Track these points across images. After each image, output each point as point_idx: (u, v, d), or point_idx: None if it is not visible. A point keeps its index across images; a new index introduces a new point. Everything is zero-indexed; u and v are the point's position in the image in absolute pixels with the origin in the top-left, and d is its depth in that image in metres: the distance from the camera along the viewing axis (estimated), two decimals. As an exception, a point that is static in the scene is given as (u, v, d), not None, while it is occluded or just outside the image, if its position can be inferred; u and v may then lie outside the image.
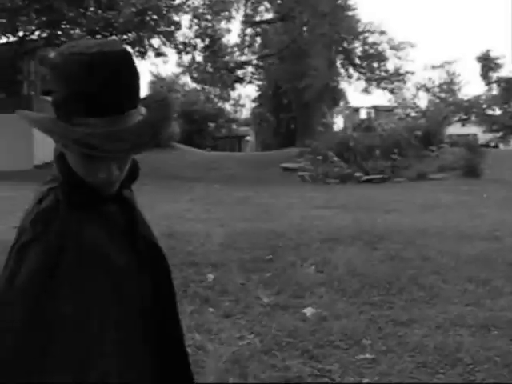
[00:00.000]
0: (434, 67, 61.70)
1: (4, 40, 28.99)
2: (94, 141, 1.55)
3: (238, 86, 42.30)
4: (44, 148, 32.99)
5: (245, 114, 73.13)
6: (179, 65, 35.86)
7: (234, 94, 53.63)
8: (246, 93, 65.97)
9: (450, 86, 61.45)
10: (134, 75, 1.66)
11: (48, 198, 1.74)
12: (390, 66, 38.24)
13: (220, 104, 56.85)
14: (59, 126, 1.62)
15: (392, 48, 37.14)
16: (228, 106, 66.92)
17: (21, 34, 28.37)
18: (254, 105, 65.93)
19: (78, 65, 1.56)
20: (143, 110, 1.73)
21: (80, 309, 1.64)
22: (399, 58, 37.30)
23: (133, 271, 1.84)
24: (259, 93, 59.05)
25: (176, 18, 28.52)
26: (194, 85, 46.20)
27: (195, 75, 36.07)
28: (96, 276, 1.71)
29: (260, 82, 46.76)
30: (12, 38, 28.87)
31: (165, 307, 2.07)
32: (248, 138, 68.76)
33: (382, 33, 37.20)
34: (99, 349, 1.67)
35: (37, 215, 1.71)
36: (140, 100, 1.72)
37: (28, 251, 1.65)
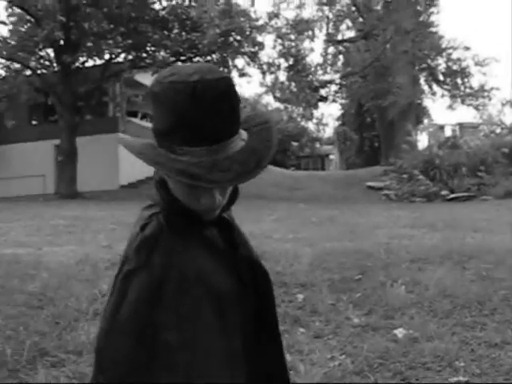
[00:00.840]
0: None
1: (91, 63, 29.72)
2: (199, 171, 1.55)
3: (320, 104, 42.22)
4: (129, 169, 33.60)
5: (328, 132, 72.96)
6: (262, 85, 36.04)
7: (317, 113, 53.49)
8: (329, 111, 65.77)
9: (537, 100, 59.98)
10: (236, 101, 1.65)
11: (151, 225, 1.76)
12: (475, 82, 37.63)
13: (303, 123, 56.83)
14: (162, 156, 1.62)
15: (476, 64, 36.50)
16: (311, 125, 66.88)
17: (107, 56, 29.03)
18: (337, 123, 65.75)
19: (180, 94, 1.56)
20: (244, 134, 1.72)
21: (185, 337, 1.66)
22: (484, 73, 36.62)
23: (236, 295, 1.84)
24: (342, 111, 58.89)
25: (259, 39, 28.69)
26: (276, 104, 46.37)
27: (278, 95, 36.15)
28: (200, 303, 1.71)
29: (343, 101, 46.52)
30: (98, 61, 29.58)
31: (269, 327, 2.08)
32: (331, 156, 68.52)
33: (466, 48, 36.64)
34: (206, 375, 1.69)
35: (140, 243, 1.72)
36: (240, 124, 1.70)
37: (132, 280, 1.67)
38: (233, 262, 1.90)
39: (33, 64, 28.36)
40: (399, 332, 6.23)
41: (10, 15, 29.24)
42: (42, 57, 29.01)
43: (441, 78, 38.12)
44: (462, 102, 38.06)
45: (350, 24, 40.36)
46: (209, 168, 1.56)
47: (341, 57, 41.05)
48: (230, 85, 1.63)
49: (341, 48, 40.45)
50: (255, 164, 1.63)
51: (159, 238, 1.72)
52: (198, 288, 1.72)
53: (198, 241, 1.82)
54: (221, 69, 1.74)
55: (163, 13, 28.29)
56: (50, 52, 28.68)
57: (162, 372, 1.62)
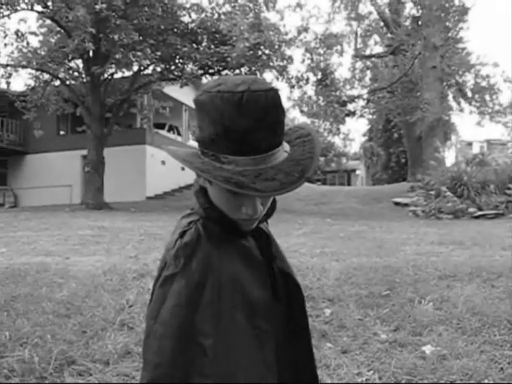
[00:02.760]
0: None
1: (120, 74, 29.94)
2: (244, 179, 1.56)
3: (347, 119, 42.21)
4: (155, 180, 33.80)
5: (354, 147, 72.94)
6: (289, 99, 36.10)
7: (343, 128, 53.53)
8: (356, 127, 66.00)
9: None
10: (281, 113, 1.66)
11: (189, 232, 1.78)
12: (504, 98, 37.42)
13: (330, 138, 56.82)
14: (207, 164, 1.64)
15: (505, 80, 36.32)
16: (338, 140, 66.92)
17: (135, 68, 29.22)
18: (363, 139, 65.73)
19: (226, 103, 1.57)
20: (287, 145, 1.74)
21: (220, 344, 1.67)
22: (512, 90, 36.44)
23: (269, 306, 1.86)
24: (369, 127, 58.84)
25: (288, 53, 28.72)
26: (303, 119, 46.41)
27: (305, 109, 36.17)
28: (235, 311, 1.74)
29: (370, 116, 46.49)
30: (127, 73, 29.78)
31: (301, 340, 2.09)
32: (358, 171, 68.46)
33: (495, 65, 36.51)
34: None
35: (179, 250, 1.75)
36: (284, 135, 1.72)
37: (171, 285, 1.70)
38: (268, 273, 1.92)
39: (62, 75, 28.58)
40: (427, 349, 6.18)
41: (40, 26, 29.61)
42: (71, 68, 29.26)
43: (469, 94, 37.95)
44: (491, 118, 37.83)
45: (378, 39, 40.44)
46: (254, 177, 1.58)
47: (368, 72, 41.08)
48: (276, 96, 1.64)
49: (369, 63, 40.50)
50: (299, 174, 1.64)
51: (197, 244, 1.75)
52: (233, 296, 1.75)
53: (235, 249, 1.85)
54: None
55: (192, 25, 28.42)
56: (80, 63, 28.95)
57: (196, 377, 1.64)
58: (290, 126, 1.92)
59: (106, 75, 28.32)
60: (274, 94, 1.63)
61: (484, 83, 37.04)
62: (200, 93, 1.67)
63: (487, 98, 37.28)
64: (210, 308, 1.69)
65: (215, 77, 25.03)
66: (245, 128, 1.58)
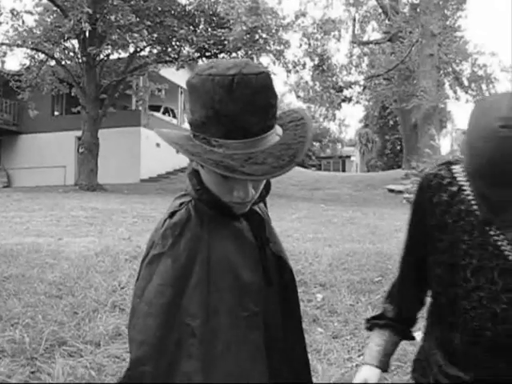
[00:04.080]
0: (546, 90, 60.08)
1: (116, 56, 29.81)
2: (234, 163, 1.56)
3: (343, 105, 42.17)
4: (150, 162, 33.75)
5: (350, 134, 72.93)
6: (286, 84, 36.07)
7: (339, 114, 53.45)
8: (352, 113, 66.05)
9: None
10: (273, 96, 1.65)
11: (179, 212, 1.78)
12: (500, 88, 37.38)
13: (325, 124, 56.83)
14: (198, 147, 1.63)
15: (502, 70, 36.30)
16: (333, 126, 66.93)
17: (132, 49, 29.09)
18: (359, 125, 65.72)
19: (217, 87, 1.56)
20: (279, 129, 1.72)
21: (209, 326, 1.67)
22: (510, 80, 36.43)
23: (260, 289, 1.84)
24: (365, 113, 58.81)
25: (286, 37, 28.63)
26: (299, 104, 46.37)
27: (302, 94, 36.14)
28: (224, 293, 1.73)
29: (366, 103, 46.44)
30: (123, 54, 29.65)
31: (292, 324, 2.08)
32: (352, 158, 68.50)
33: (493, 54, 36.44)
34: (220, 367, 1.69)
35: (167, 229, 1.74)
36: (276, 119, 1.70)
37: (158, 265, 1.69)
38: (260, 256, 1.90)
39: (57, 55, 28.47)
40: (417, 335, 6.18)
41: (36, 5, 29.39)
42: (66, 48, 29.09)
43: (466, 83, 37.91)
44: (487, 108, 37.70)
45: (376, 26, 40.36)
46: (243, 160, 1.57)
47: (366, 58, 41.01)
48: (268, 79, 1.63)
49: (366, 49, 40.42)
50: (290, 158, 1.63)
51: (186, 225, 1.74)
52: (222, 277, 1.74)
53: (227, 231, 1.83)
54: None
55: (190, 8, 28.28)
56: (75, 43, 28.73)
57: (183, 357, 1.63)
58: (284, 109, 1.91)
59: (101, 56, 28.17)
60: (265, 76, 1.62)
61: (481, 72, 36.99)
62: (192, 76, 1.66)
63: (484, 87, 37.24)
64: (197, 289, 1.68)
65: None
66: (235, 111, 1.57)
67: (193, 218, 1.77)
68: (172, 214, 1.79)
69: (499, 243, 1.91)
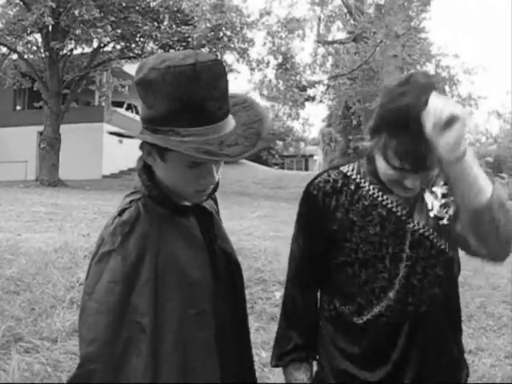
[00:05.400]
0: (507, 93, 60.73)
1: (79, 51, 29.54)
2: (211, 148, 1.59)
3: (307, 104, 42.24)
4: (112, 159, 33.53)
5: (313, 133, 73.01)
6: (250, 82, 36.05)
7: (303, 113, 53.54)
8: (316, 112, 66.16)
9: (523, 112, 60.20)
10: (227, 81, 1.69)
11: (129, 210, 1.79)
12: (463, 90, 37.72)
13: (289, 122, 56.84)
14: (164, 140, 1.64)
15: (465, 72, 36.64)
16: (297, 125, 66.95)
17: (95, 45, 28.86)
18: (323, 124, 65.82)
19: (180, 77, 1.58)
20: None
21: (157, 323, 1.69)
22: (472, 82, 36.80)
23: (209, 286, 1.87)
24: (329, 112, 58.93)
25: (250, 35, 28.65)
26: (263, 102, 46.31)
27: (265, 92, 36.16)
28: (172, 290, 1.75)
29: (330, 102, 46.53)
30: (87, 49, 29.40)
31: (238, 321, 2.10)
32: (315, 157, 68.56)
33: (456, 56, 36.77)
34: (170, 364, 1.71)
35: (116, 227, 1.75)
36: None
37: (107, 262, 1.70)
38: (208, 253, 1.92)
39: (20, 48, 28.17)
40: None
41: (-2, -2, 29.06)
42: (29, 41, 28.75)
43: (429, 84, 38.19)
44: (449, 109, 38.00)
45: (341, 25, 40.45)
46: (218, 144, 1.61)
47: (330, 58, 41.09)
48: (222, 66, 1.68)
49: (330, 49, 40.48)
50: (256, 136, 1.69)
51: (136, 223, 1.76)
52: (171, 275, 1.76)
53: (175, 229, 1.85)
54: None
55: (154, 4, 28.13)
56: (38, 37, 28.43)
57: (133, 355, 1.64)
58: None
59: (65, 51, 27.88)
60: (220, 62, 1.67)
61: (444, 74, 37.31)
62: (146, 71, 1.66)
63: (447, 88, 37.55)
64: (147, 286, 1.69)
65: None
66: (202, 98, 1.60)
67: (142, 215, 1.78)
68: (122, 212, 1.80)
69: (411, 225, 1.97)
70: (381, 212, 1.99)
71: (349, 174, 2.08)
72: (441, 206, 2.00)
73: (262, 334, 6.22)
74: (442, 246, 2.00)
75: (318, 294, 2.26)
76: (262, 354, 5.64)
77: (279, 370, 5.31)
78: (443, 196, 2.00)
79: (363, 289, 2.00)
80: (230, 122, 1.69)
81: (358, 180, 2.05)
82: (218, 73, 1.63)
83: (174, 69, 1.59)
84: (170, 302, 1.73)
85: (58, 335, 5.70)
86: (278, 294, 7.35)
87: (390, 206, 1.98)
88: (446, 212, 2.00)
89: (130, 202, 1.84)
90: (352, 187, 2.05)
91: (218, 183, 1.96)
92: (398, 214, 1.98)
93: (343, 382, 2.10)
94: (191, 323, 1.77)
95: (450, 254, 2.02)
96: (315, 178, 2.16)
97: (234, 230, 11.04)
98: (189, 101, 1.59)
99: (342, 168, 2.12)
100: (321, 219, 2.06)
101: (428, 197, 2.01)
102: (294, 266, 2.22)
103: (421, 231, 1.98)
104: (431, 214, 1.99)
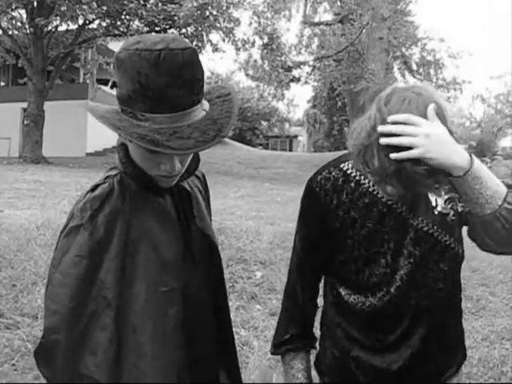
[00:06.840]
0: (492, 78, 60.87)
1: (64, 27, 29.28)
2: (159, 137, 1.59)
3: (292, 85, 42.16)
4: (96, 136, 33.36)
5: (298, 114, 72.90)
6: (235, 61, 35.96)
7: (288, 94, 53.44)
8: (301, 93, 66.00)
9: (507, 97, 60.32)
10: (199, 71, 1.69)
11: (102, 186, 1.81)
12: (448, 74, 37.74)
13: (274, 103, 56.74)
14: (124, 121, 1.66)
15: (450, 56, 36.67)
16: (282, 106, 66.82)
17: (81, 22, 28.61)
18: (308, 105, 65.77)
19: (144, 61, 1.59)
20: (206, 104, 1.76)
21: (123, 299, 1.72)
22: (457, 66, 36.82)
23: (181, 264, 1.88)
24: (314, 94, 58.87)
25: (236, 15, 28.51)
26: (248, 82, 46.15)
27: (251, 72, 36.08)
28: (141, 267, 1.77)
29: (315, 83, 46.49)
30: (72, 26, 29.14)
31: (216, 299, 2.12)
32: (300, 138, 68.62)
33: (441, 40, 36.76)
34: (136, 341, 1.73)
35: (87, 202, 1.77)
36: (203, 94, 1.75)
37: (75, 237, 1.72)
38: (182, 232, 1.94)
39: (4, 24, 27.87)
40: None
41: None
42: (14, 17, 28.45)
43: (414, 67, 38.25)
44: (434, 92, 38.01)
45: (327, 7, 40.32)
46: (169, 135, 1.60)
47: (316, 39, 40.99)
48: (194, 54, 1.66)
49: (317, 30, 40.37)
50: (215, 133, 1.66)
51: (107, 199, 1.77)
52: (141, 252, 1.78)
53: (149, 206, 1.87)
54: (195, 42, 1.77)
55: (140, -19, 27.94)
56: (23, 13, 28.15)
57: (98, 328, 1.67)
58: (212, 85, 1.95)
59: (49, 27, 27.60)
60: (191, 52, 1.65)
61: (429, 57, 37.33)
62: (120, 50, 1.68)
63: (432, 72, 37.60)
64: (114, 262, 1.72)
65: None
66: (161, 85, 1.60)
67: (115, 191, 1.80)
68: (95, 187, 1.81)
69: (415, 222, 2.01)
70: (381, 209, 2.02)
71: (348, 171, 2.10)
72: (445, 201, 2.03)
73: (242, 312, 6.26)
74: (448, 242, 2.03)
75: (322, 283, 2.29)
76: (241, 333, 5.69)
77: (258, 348, 5.39)
78: (446, 192, 2.03)
79: (367, 283, 2.03)
80: (195, 113, 1.68)
81: (357, 178, 2.07)
82: (185, 61, 1.62)
83: (141, 52, 1.60)
84: (139, 279, 1.75)
85: (38, 312, 5.72)
86: (259, 274, 7.39)
87: (389, 202, 2.01)
88: (451, 207, 2.03)
89: (106, 178, 1.86)
90: (352, 185, 2.06)
91: (197, 164, 1.98)
92: (398, 210, 2.01)
93: (345, 363, 2.15)
94: (160, 300, 1.78)
95: (457, 249, 2.06)
96: (316, 174, 2.16)
97: (216, 210, 11.04)
98: (147, 86, 1.60)
99: (341, 165, 2.13)
100: (323, 216, 2.08)
101: (431, 194, 2.04)
102: (297, 260, 2.25)
103: (424, 228, 2.01)
104: (436, 212, 2.02)
